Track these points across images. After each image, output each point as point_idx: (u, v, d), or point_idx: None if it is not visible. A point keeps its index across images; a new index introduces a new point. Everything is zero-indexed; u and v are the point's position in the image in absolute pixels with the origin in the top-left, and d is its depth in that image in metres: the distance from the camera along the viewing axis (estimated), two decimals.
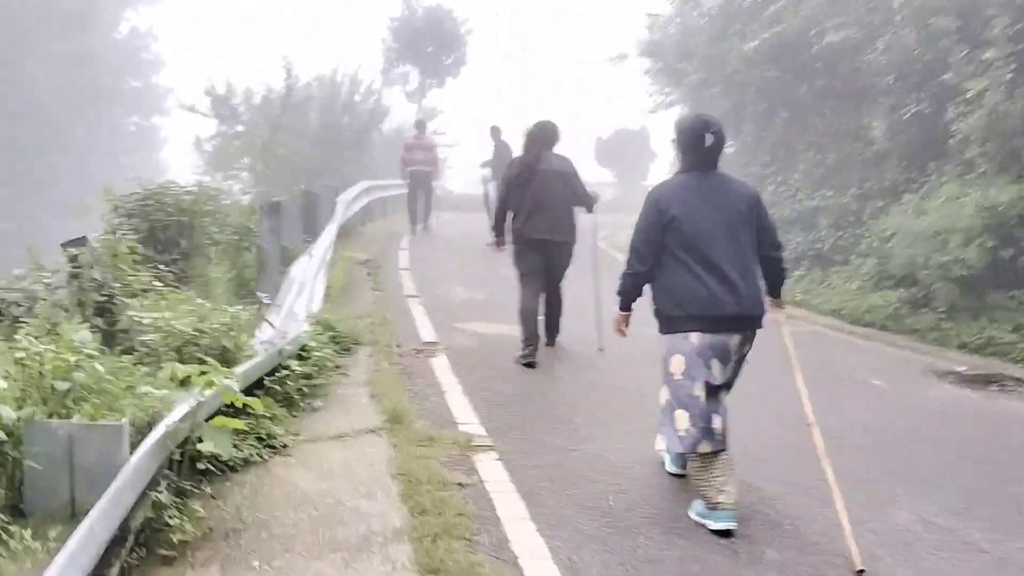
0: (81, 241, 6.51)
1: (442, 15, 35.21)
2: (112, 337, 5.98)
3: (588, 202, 7.78)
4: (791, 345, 4.55)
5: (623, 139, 42.72)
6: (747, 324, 4.32)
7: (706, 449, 4.28)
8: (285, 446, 5.24)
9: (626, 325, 4.75)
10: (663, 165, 44.83)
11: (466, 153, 26.02)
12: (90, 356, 4.39)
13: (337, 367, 7.07)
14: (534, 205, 7.49)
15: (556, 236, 7.54)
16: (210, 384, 4.35)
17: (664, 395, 4.44)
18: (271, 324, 7.39)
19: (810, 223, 14.03)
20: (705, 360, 4.25)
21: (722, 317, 4.22)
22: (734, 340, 4.29)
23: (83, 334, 4.75)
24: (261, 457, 4.99)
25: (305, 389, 6.26)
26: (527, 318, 7.55)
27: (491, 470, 5.01)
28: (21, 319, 5.97)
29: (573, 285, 8.14)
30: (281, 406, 5.82)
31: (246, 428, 4.80)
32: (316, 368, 6.64)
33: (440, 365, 7.45)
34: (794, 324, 5.97)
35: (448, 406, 6.30)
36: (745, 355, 4.43)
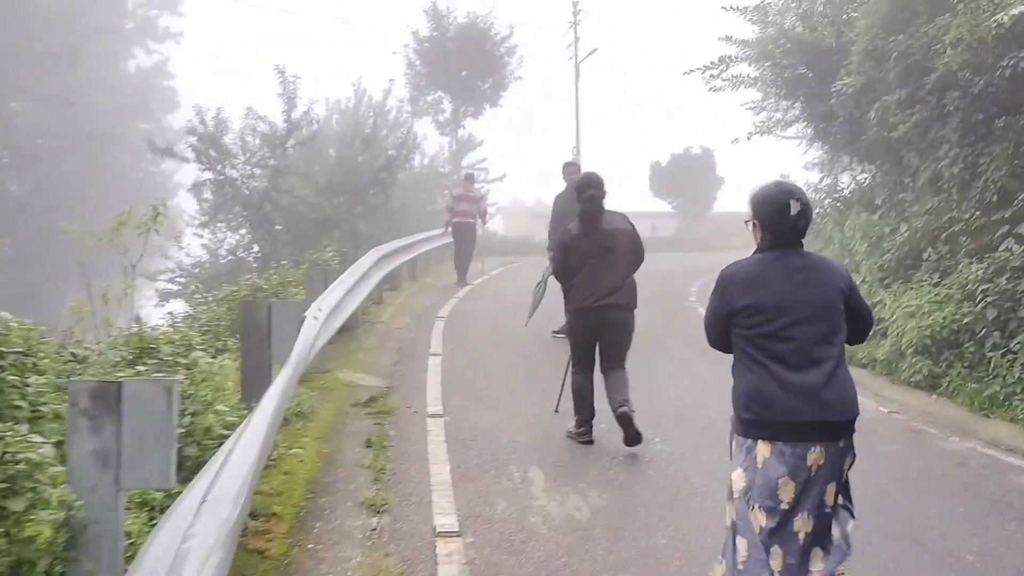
0: None
1: (477, 35, 30.60)
2: None
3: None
4: None
5: (684, 165, 37.76)
6: (834, 432, 3.43)
7: None
8: None
9: None
10: (732, 193, 39.97)
11: (511, 188, 21.52)
12: None
13: None
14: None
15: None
16: None
17: (728, 515, 3.61)
18: None
19: None
20: (774, 476, 3.41)
21: (799, 424, 3.39)
22: (813, 454, 3.38)
23: None
24: None
25: None
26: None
27: None
28: None
29: None
30: None
31: None
32: None
33: None
34: None
35: None
36: (839, 476, 3.45)
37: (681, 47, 69.17)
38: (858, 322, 3.62)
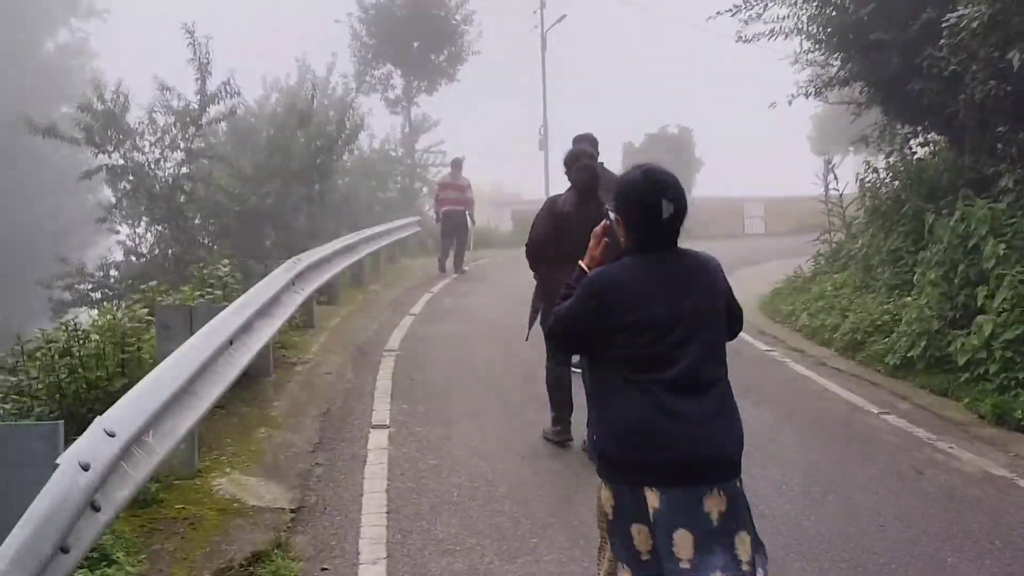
0: None
1: (428, 1, 27.03)
2: None
3: None
4: None
5: (659, 145, 34.60)
6: (728, 470, 2.91)
7: None
8: None
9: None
10: (712, 176, 37.02)
11: (469, 173, 18.55)
12: None
13: None
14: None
15: None
16: None
17: None
18: None
19: None
20: (667, 529, 2.82)
21: (692, 463, 2.85)
22: (711, 499, 2.84)
23: None
24: None
25: None
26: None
27: None
28: None
29: None
30: None
31: None
32: None
33: None
34: None
35: None
36: (749, 524, 2.92)
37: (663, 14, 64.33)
38: (732, 325, 3.18)
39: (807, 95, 11.59)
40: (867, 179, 11.28)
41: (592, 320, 2.95)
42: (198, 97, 16.30)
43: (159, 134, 16.99)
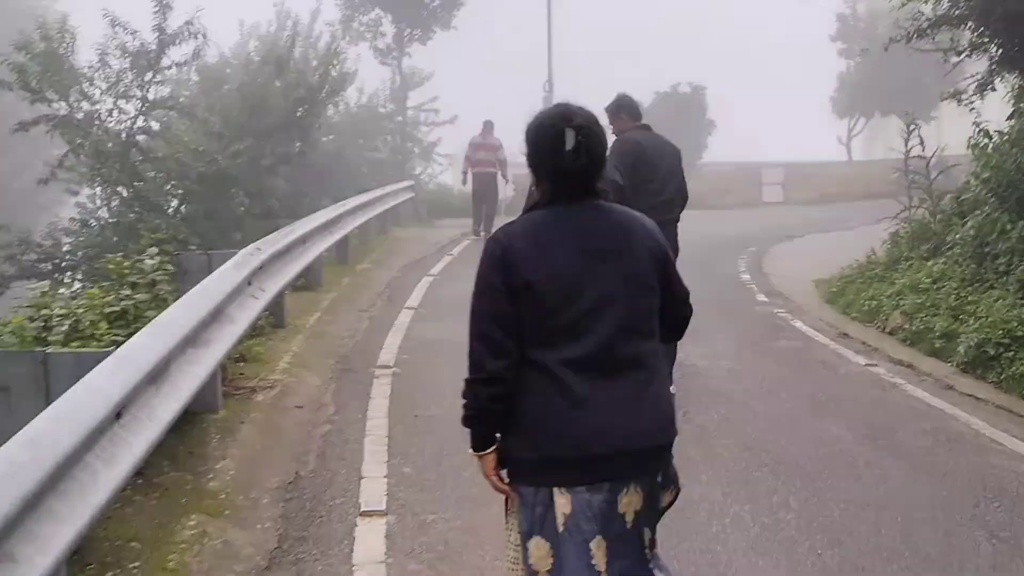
0: None
1: None
2: None
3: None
4: None
5: (669, 106, 32.16)
6: (650, 463, 2.57)
7: None
8: None
9: (497, 474, 2.61)
10: (725, 139, 34.63)
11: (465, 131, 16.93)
12: None
13: None
14: None
15: None
16: None
17: None
18: None
19: None
20: (582, 538, 2.48)
21: (606, 457, 2.47)
22: (626, 496, 2.51)
23: None
24: None
25: None
26: None
27: None
28: None
29: None
30: None
31: None
32: None
33: None
34: None
35: None
36: (655, 520, 2.64)
37: None
38: (674, 307, 2.68)
39: (908, 38, 9.31)
40: (979, 143, 9.02)
41: (501, 284, 2.50)
42: (156, 36, 13.90)
43: (113, 80, 14.69)
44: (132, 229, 13.14)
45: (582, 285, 2.49)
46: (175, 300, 5.22)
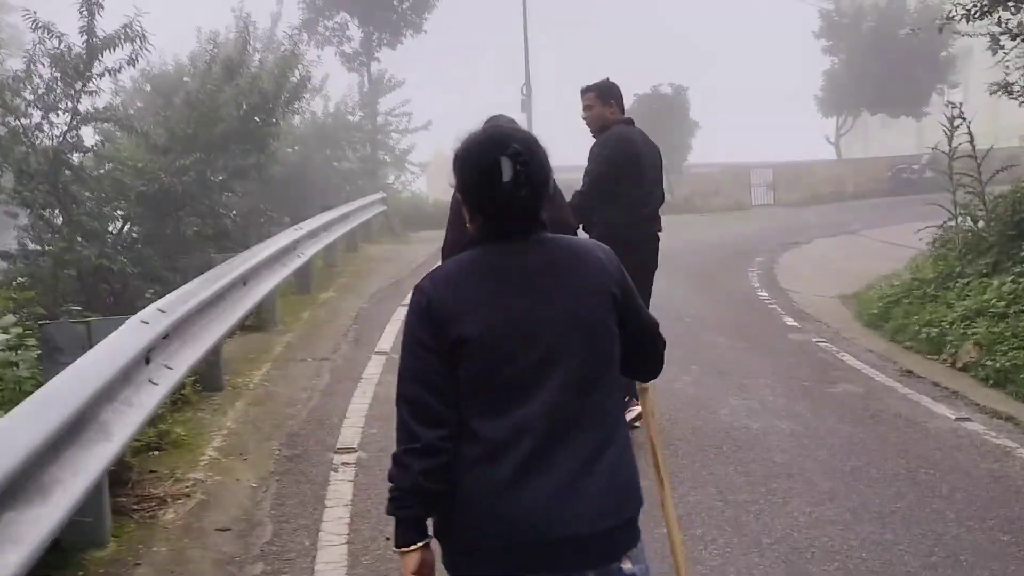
0: None
1: None
2: None
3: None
4: None
5: (652, 107, 30.80)
6: (591, 554, 2.09)
7: None
8: None
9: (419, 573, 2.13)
10: (707, 142, 33.21)
11: (442, 139, 15.57)
12: None
13: None
14: None
15: None
16: None
17: None
18: None
19: None
20: None
21: (532, 547, 2.07)
22: None
23: None
24: None
25: None
26: None
27: None
28: None
29: None
30: None
31: None
32: None
33: None
34: None
35: None
36: None
37: None
38: (640, 344, 2.30)
39: (971, 16, 7.84)
40: None
41: (431, 340, 2.11)
42: (84, 39, 12.16)
43: (42, 90, 12.94)
44: (58, 262, 11.44)
45: (526, 337, 2.14)
46: (33, 392, 3.56)
